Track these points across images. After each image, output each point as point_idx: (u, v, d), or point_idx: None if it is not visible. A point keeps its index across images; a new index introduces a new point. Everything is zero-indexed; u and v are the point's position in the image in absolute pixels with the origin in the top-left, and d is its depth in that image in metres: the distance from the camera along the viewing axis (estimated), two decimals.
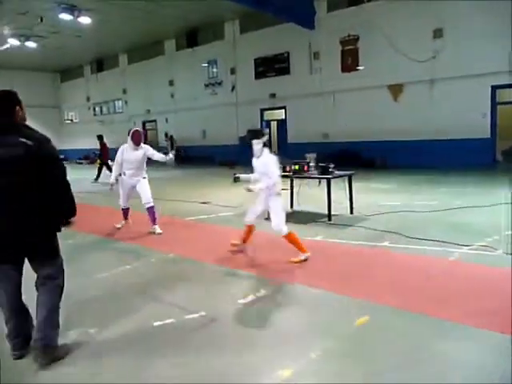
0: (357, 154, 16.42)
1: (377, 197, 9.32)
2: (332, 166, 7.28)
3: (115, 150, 7.28)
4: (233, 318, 3.58)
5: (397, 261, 5.00)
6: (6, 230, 2.78)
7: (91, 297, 4.18)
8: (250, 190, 4.99)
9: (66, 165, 3.07)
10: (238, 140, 21.42)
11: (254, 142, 5.02)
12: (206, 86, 22.81)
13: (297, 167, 7.50)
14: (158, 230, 6.86)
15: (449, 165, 13.89)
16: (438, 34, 14.66)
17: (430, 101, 15.10)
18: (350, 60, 17.00)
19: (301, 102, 18.74)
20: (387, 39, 14.37)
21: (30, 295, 3.07)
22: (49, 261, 2.99)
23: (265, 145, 5.04)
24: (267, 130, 5.04)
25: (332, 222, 7.02)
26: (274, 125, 21.14)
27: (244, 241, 5.58)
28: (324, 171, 7.24)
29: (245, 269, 4.88)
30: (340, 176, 7.43)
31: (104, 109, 30.24)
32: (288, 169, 7.56)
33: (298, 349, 3.02)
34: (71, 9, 17.41)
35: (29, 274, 3.01)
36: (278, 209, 5.01)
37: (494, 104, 14.03)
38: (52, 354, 2.92)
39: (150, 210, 6.87)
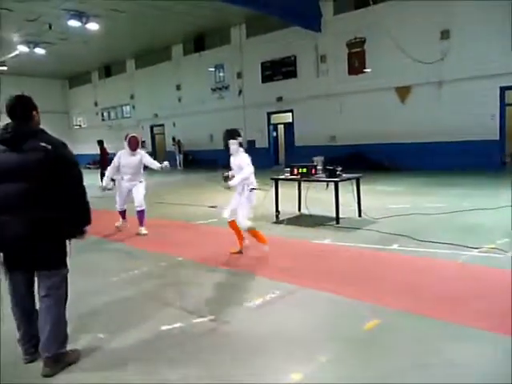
0: (364, 157, 16.37)
1: (385, 199, 9.28)
2: (339, 168, 7.27)
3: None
4: (242, 321, 3.58)
5: (406, 264, 4.97)
6: (22, 234, 2.77)
7: (101, 301, 4.20)
8: (228, 188, 5.38)
9: None
10: (245, 143, 21.43)
11: (231, 141, 5.39)
12: (213, 90, 22.89)
13: (304, 170, 7.49)
14: (143, 231, 7.08)
15: (457, 167, 13.78)
16: (445, 35, 14.59)
17: (438, 103, 15.02)
18: (356, 62, 16.97)
19: (308, 105, 18.73)
20: (394, 41, 14.32)
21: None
22: (56, 270, 2.94)
23: (240, 145, 5.41)
24: (242, 132, 5.35)
25: (340, 225, 7.00)
26: (281, 128, 21.17)
27: (241, 242, 5.72)
28: (331, 174, 7.23)
29: (253, 273, 4.88)
30: (348, 179, 7.42)
31: (112, 114, 30.44)
32: (295, 172, 7.57)
33: (307, 352, 3.01)
34: (79, 15, 17.56)
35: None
36: (246, 205, 5.34)
37: (503, 105, 13.92)
38: (60, 363, 2.90)
39: (141, 213, 7.13)
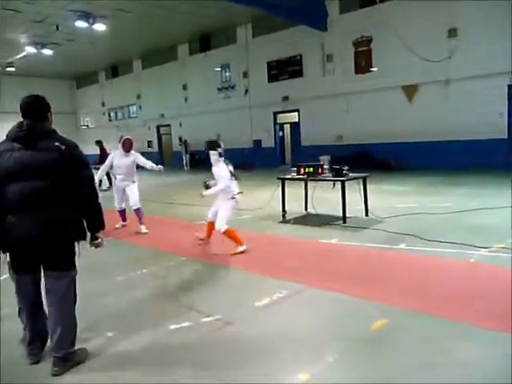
0: (371, 156, 16.30)
1: (392, 199, 9.25)
2: (346, 168, 7.25)
3: None
4: (249, 321, 3.59)
5: (413, 263, 4.95)
6: (35, 234, 2.77)
7: (110, 300, 4.22)
8: (203, 196, 5.74)
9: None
10: (251, 143, 21.47)
11: (211, 152, 5.71)
12: (219, 89, 22.91)
13: (311, 170, 7.48)
14: (143, 229, 7.30)
15: (465, 166, 13.69)
16: (452, 33, 14.50)
17: (445, 101, 14.92)
18: (363, 61, 16.90)
19: (314, 105, 18.70)
20: (401, 40, 14.25)
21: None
22: (66, 271, 2.94)
23: (220, 155, 5.70)
24: (222, 145, 5.77)
25: (347, 225, 6.99)
26: (287, 128, 21.14)
27: (208, 236, 6.16)
28: (338, 173, 7.22)
29: (260, 272, 4.88)
30: (354, 178, 7.41)
31: (119, 114, 30.57)
32: (302, 171, 7.56)
33: (314, 352, 3.01)
34: (86, 16, 17.64)
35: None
36: (224, 210, 5.68)
37: (511, 104, 13.80)
38: (68, 363, 2.91)
39: (137, 211, 7.36)
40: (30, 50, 21.85)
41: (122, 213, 7.77)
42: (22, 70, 26.28)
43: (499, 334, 3.09)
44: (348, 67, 17.36)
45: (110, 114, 31.37)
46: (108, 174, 12.46)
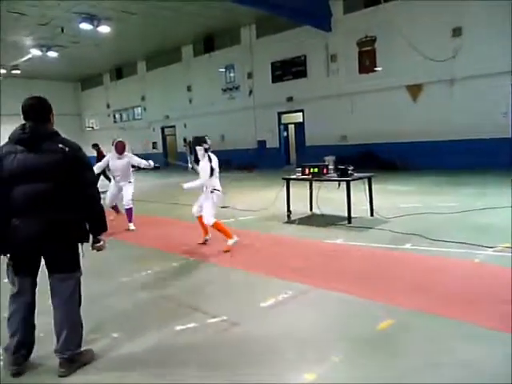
0: (376, 156, 16.27)
1: (397, 199, 9.22)
2: (351, 168, 7.24)
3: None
4: (255, 321, 3.59)
5: (419, 263, 4.93)
6: (39, 236, 2.77)
7: (115, 301, 4.24)
8: (184, 189, 6.04)
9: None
10: (256, 144, 21.48)
11: (197, 148, 5.89)
12: (224, 90, 22.94)
13: (316, 170, 7.47)
14: (131, 227, 7.73)
15: (469, 165, 13.64)
16: (457, 32, 14.45)
17: (450, 101, 14.86)
18: (367, 61, 16.88)
19: (318, 105, 18.67)
20: (405, 39, 14.22)
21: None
22: (71, 273, 2.94)
23: (206, 150, 5.86)
24: (209, 141, 5.95)
25: (352, 225, 6.98)
26: (291, 128, 21.13)
27: (206, 232, 6.34)
28: (343, 174, 7.20)
29: (265, 273, 4.88)
30: (359, 178, 7.39)
31: (124, 116, 30.68)
32: (307, 171, 7.56)
33: (320, 353, 3.01)
34: (91, 18, 17.73)
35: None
36: (208, 205, 5.89)
37: None
38: (75, 364, 2.92)
39: (128, 210, 7.77)
40: (36, 52, 21.98)
41: (115, 207, 8.22)
42: (27, 72, 26.42)
43: (505, 334, 3.07)
44: (352, 67, 17.33)
45: (114, 116, 31.49)
46: (106, 175, 12.67)
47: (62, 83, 32.41)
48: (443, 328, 3.26)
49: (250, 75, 21.58)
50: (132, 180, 7.90)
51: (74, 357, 2.92)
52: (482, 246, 5.24)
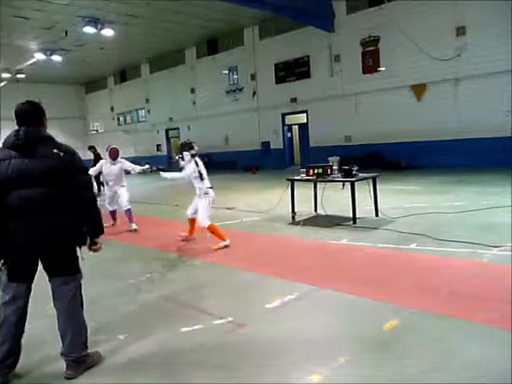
0: (381, 156, 16.25)
1: (402, 199, 9.19)
2: (356, 168, 7.22)
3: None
4: (261, 322, 3.58)
5: (426, 263, 4.91)
6: (39, 241, 2.77)
7: (121, 303, 4.25)
8: (165, 178, 6.55)
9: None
10: (260, 145, 21.49)
11: (184, 153, 6.26)
12: (227, 92, 22.97)
13: (320, 171, 7.46)
14: (134, 226, 7.89)
15: (475, 164, 13.59)
16: (460, 31, 14.40)
17: (454, 100, 14.82)
18: (371, 61, 16.84)
19: (322, 106, 18.66)
20: (409, 39, 14.19)
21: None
22: (73, 276, 2.94)
23: (193, 156, 6.22)
24: (196, 147, 6.36)
25: (357, 225, 6.96)
26: (295, 129, 21.14)
27: (191, 233, 6.71)
28: (347, 174, 7.18)
29: (271, 274, 4.87)
30: (364, 178, 7.36)
31: (128, 118, 30.77)
32: (311, 172, 7.55)
33: (327, 353, 3.00)
34: (95, 22, 17.81)
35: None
36: (203, 206, 6.17)
37: None
38: (82, 365, 2.92)
39: (127, 211, 7.95)
40: (40, 56, 22.09)
41: (113, 213, 8.38)
42: (32, 76, 26.57)
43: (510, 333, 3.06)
44: (356, 67, 17.32)
45: (119, 119, 31.60)
46: (98, 180, 12.88)
47: (66, 87, 32.59)
48: (449, 328, 3.24)
49: (253, 77, 21.60)
50: (125, 184, 8.19)
51: (80, 359, 2.92)
52: (489, 246, 5.21)
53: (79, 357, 2.92)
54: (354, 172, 7.17)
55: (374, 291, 4.08)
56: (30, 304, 2.92)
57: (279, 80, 20.42)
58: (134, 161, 8.99)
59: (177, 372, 2.90)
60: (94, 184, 13.16)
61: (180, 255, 6.01)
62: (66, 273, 2.90)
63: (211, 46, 23.19)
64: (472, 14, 14.00)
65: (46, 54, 22.00)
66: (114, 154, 7.96)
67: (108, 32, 18.52)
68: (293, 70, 19.76)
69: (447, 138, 14.84)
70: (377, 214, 7.47)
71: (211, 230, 6.16)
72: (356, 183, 7.10)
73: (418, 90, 15.69)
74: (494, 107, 13.78)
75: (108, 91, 32.02)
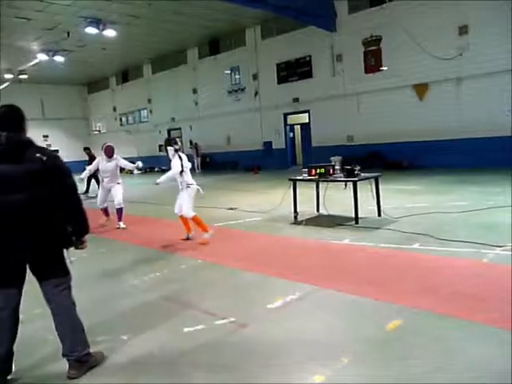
0: (383, 156, 16.23)
1: (405, 198, 9.18)
2: (358, 168, 7.21)
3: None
4: (263, 322, 3.58)
5: (428, 263, 4.90)
6: (23, 246, 2.74)
7: (124, 303, 4.25)
8: (157, 184, 6.57)
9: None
10: (262, 145, 21.49)
11: (168, 148, 6.52)
12: (229, 92, 22.97)
13: (322, 170, 7.45)
14: (122, 225, 8.20)
15: (477, 164, 13.56)
16: (463, 30, 14.36)
17: (456, 99, 14.79)
18: (373, 61, 16.83)
19: (324, 106, 18.65)
20: (411, 38, 14.17)
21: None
22: (64, 277, 2.94)
23: (176, 150, 6.48)
24: (179, 143, 6.71)
25: (359, 225, 6.95)
26: (297, 129, 21.13)
27: (188, 230, 6.79)
28: (350, 174, 7.18)
29: (273, 274, 4.87)
30: (366, 178, 7.36)
31: (130, 118, 30.80)
32: (313, 172, 7.54)
33: (329, 353, 2.99)
34: (97, 22, 17.85)
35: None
36: (187, 199, 6.46)
37: None
38: (84, 365, 2.93)
39: (119, 210, 8.21)
40: (42, 57, 22.15)
41: (105, 210, 8.64)
42: (35, 77, 26.63)
43: None
44: (358, 67, 17.30)
45: (121, 119, 31.63)
46: (97, 179, 12.91)
47: (68, 87, 32.64)
48: (452, 328, 3.23)
49: (255, 77, 21.60)
50: (120, 181, 8.40)
51: (82, 358, 2.93)
52: (491, 246, 5.20)
53: (81, 356, 2.92)
54: (356, 172, 7.16)
55: (377, 291, 4.07)
56: (29, 304, 2.92)
57: (281, 80, 20.42)
58: (135, 161, 8.99)
59: (179, 372, 2.90)
60: (93, 182, 13.47)
61: (181, 255, 6.01)
62: (57, 275, 2.90)
63: (213, 46, 23.21)
64: (474, 13, 13.96)
65: (48, 55, 22.06)
66: (109, 152, 8.20)
67: (110, 32, 18.56)
68: (295, 70, 19.75)
69: (449, 138, 14.81)
70: (379, 214, 7.46)
71: (195, 221, 6.49)
72: (358, 183, 7.09)
73: (420, 89, 15.66)
74: (495, 106, 13.75)
75: (110, 91, 32.07)
